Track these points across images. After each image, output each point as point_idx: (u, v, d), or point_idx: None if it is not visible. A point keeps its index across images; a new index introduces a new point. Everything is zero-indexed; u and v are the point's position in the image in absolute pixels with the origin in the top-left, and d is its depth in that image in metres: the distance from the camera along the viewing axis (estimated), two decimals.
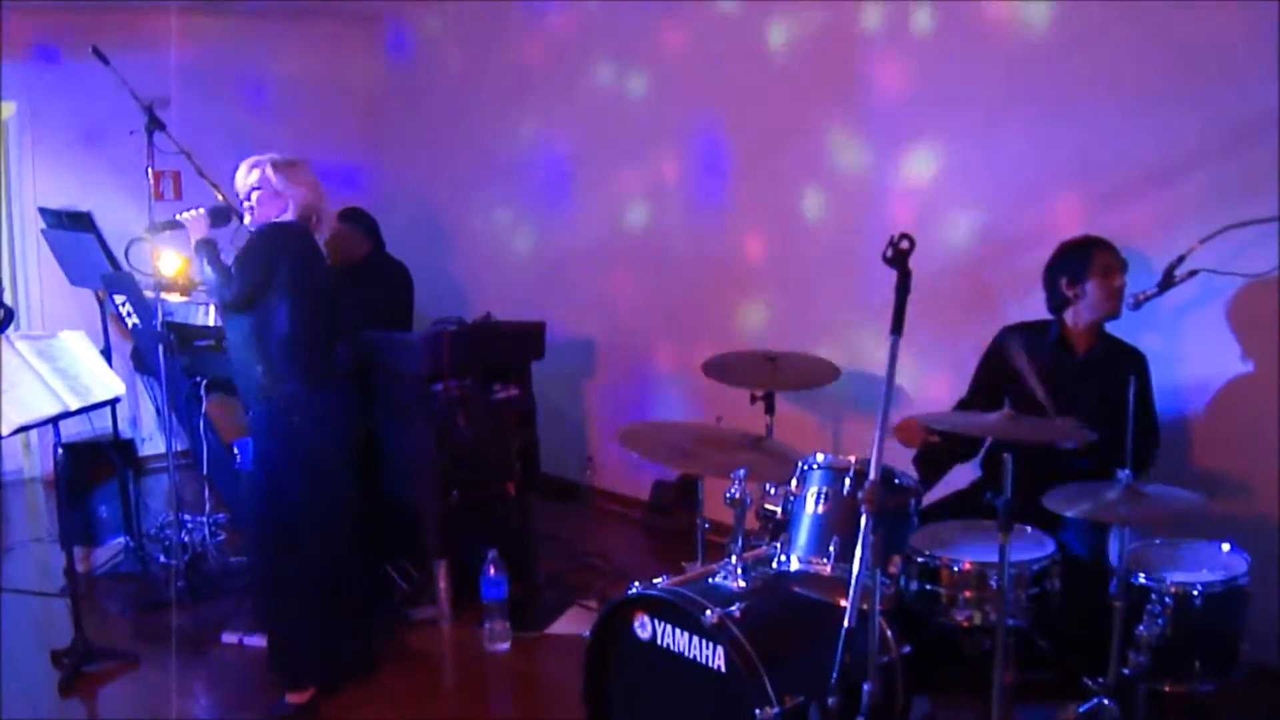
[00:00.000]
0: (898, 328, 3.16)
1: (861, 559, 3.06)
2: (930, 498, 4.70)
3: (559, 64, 7.68)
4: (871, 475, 3.12)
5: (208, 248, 4.77)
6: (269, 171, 4.76)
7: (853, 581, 3.05)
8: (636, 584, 3.85)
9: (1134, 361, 4.58)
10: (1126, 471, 3.72)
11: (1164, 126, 4.82)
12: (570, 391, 7.78)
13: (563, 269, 7.84)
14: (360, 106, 9.50)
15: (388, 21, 9.35)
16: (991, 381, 4.77)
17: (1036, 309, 4.79)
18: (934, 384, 5.58)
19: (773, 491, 4.10)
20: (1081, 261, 4.57)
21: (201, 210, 4.89)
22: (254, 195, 4.76)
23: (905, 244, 3.08)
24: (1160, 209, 4.85)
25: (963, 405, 4.86)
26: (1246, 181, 4.58)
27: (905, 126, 5.74)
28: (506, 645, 5.27)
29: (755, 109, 6.44)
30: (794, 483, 3.80)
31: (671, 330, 7.14)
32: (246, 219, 4.82)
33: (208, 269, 4.69)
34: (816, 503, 3.70)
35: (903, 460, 4.53)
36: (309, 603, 4.69)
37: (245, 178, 4.79)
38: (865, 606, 3.19)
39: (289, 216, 4.77)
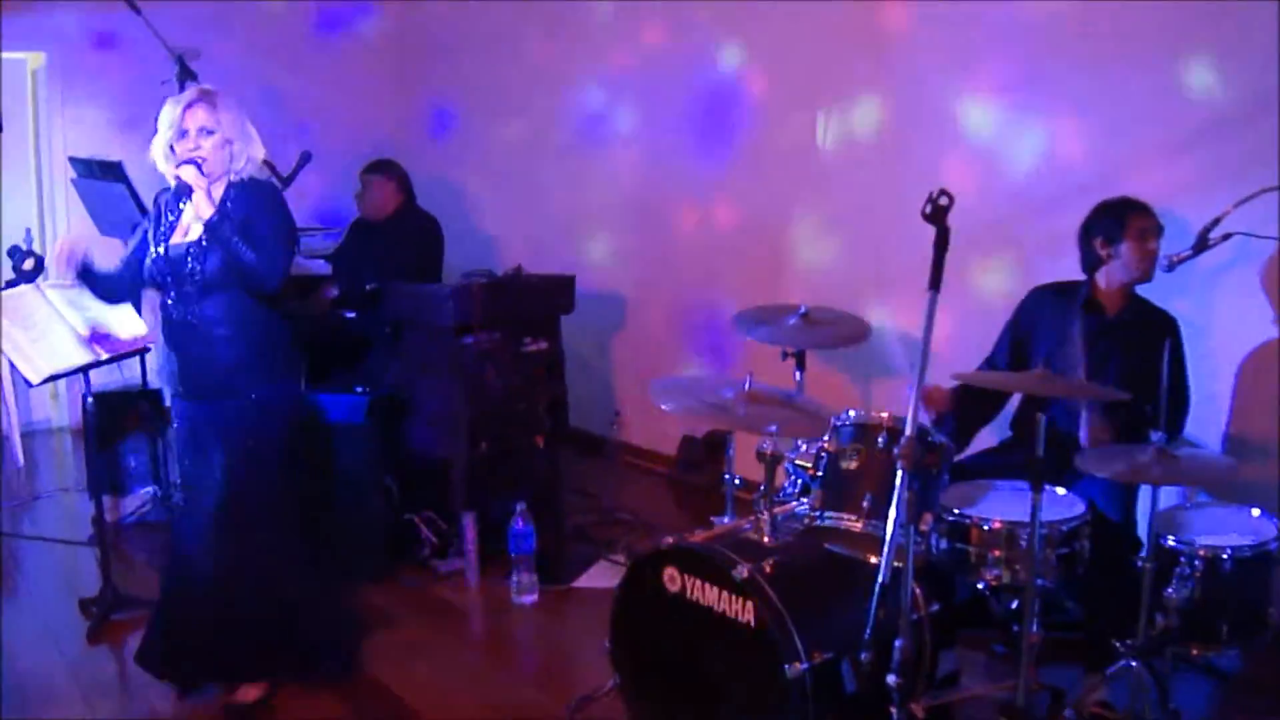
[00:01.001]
0: (935, 283, 3.18)
1: (896, 516, 3.09)
2: (959, 458, 4.69)
3: (598, 14, 7.58)
4: (908, 431, 3.16)
5: (232, 224, 4.05)
6: (225, 110, 4.11)
7: (887, 538, 3.07)
8: (669, 538, 3.86)
9: (1165, 325, 4.56)
10: (1160, 434, 3.73)
11: (1204, 87, 4.79)
12: (599, 346, 7.78)
13: (595, 222, 7.81)
14: (397, 55, 9.41)
15: None
16: (1019, 341, 4.77)
17: (1070, 269, 4.75)
18: (964, 343, 5.51)
19: (804, 448, 4.10)
20: (1117, 222, 4.53)
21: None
22: (207, 141, 4.09)
23: (944, 200, 3.10)
24: (1198, 171, 4.82)
25: (988, 364, 4.86)
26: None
27: (952, 82, 5.70)
28: (534, 598, 5.29)
29: (794, 58, 6.39)
30: (827, 439, 3.80)
31: (704, 284, 7.11)
32: (188, 172, 4.02)
33: (242, 251, 4.00)
34: (849, 459, 3.70)
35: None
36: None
37: (190, 118, 4.07)
38: (899, 563, 3.21)
39: (250, 171, 4.20)
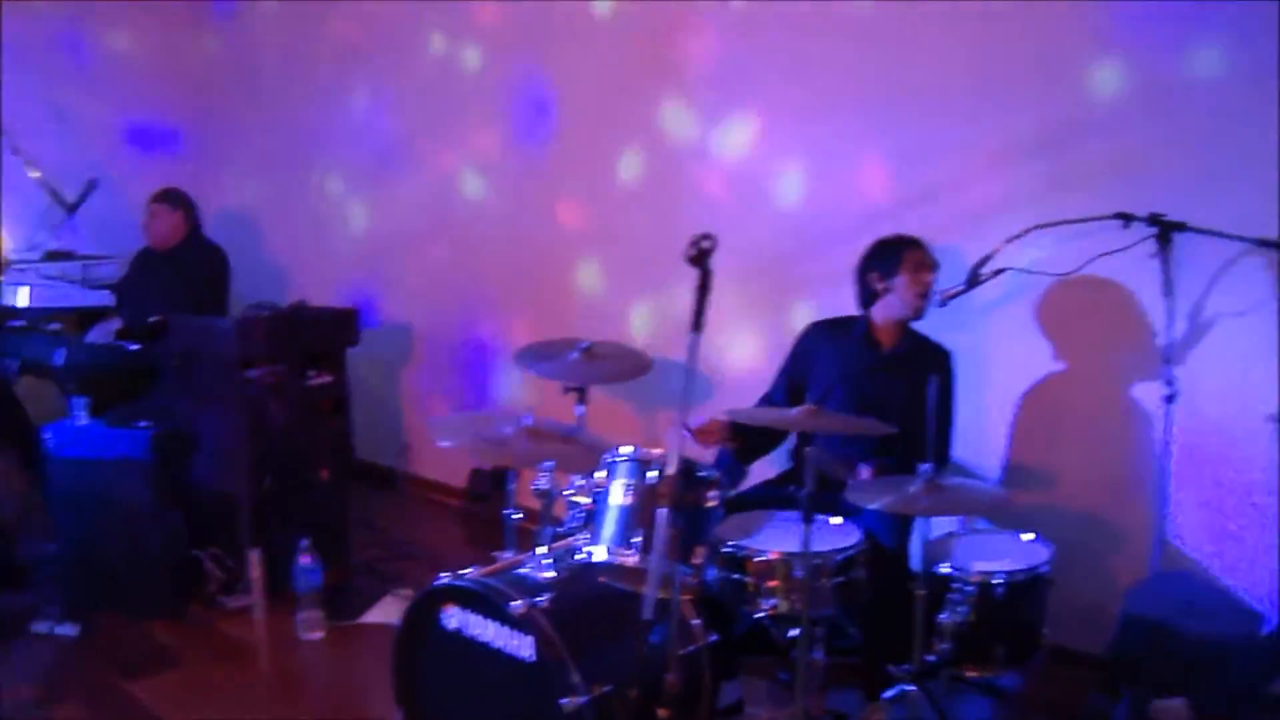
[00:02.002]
0: (697, 324, 3.20)
1: (658, 552, 3.13)
2: (741, 489, 4.83)
3: (387, 37, 7.46)
4: (669, 469, 3.18)
5: None
6: None
7: (650, 574, 3.08)
8: (444, 574, 3.85)
9: (938, 359, 4.68)
10: (927, 465, 3.81)
11: (981, 124, 4.93)
12: (389, 377, 7.70)
13: (385, 251, 7.71)
14: (188, 83, 9.08)
15: None
16: (796, 376, 4.84)
17: (847, 303, 4.85)
18: (745, 376, 5.65)
19: (581, 483, 4.13)
20: (893, 257, 4.62)
21: None
22: None
23: (707, 244, 3.11)
24: (972, 207, 4.97)
25: (765, 400, 4.92)
26: (1055, 182, 4.73)
27: (727, 103, 5.78)
28: (320, 634, 5.23)
29: (585, 85, 6.40)
30: (600, 475, 3.80)
31: (491, 313, 7.09)
32: None
33: None
34: (623, 495, 3.69)
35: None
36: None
37: None
38: (667, 597, 3.23)
39: None
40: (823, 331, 4.84)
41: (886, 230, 4.78)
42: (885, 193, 5.26)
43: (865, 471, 4.44)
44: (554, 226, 6.64)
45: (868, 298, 4.72)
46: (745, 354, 5.78)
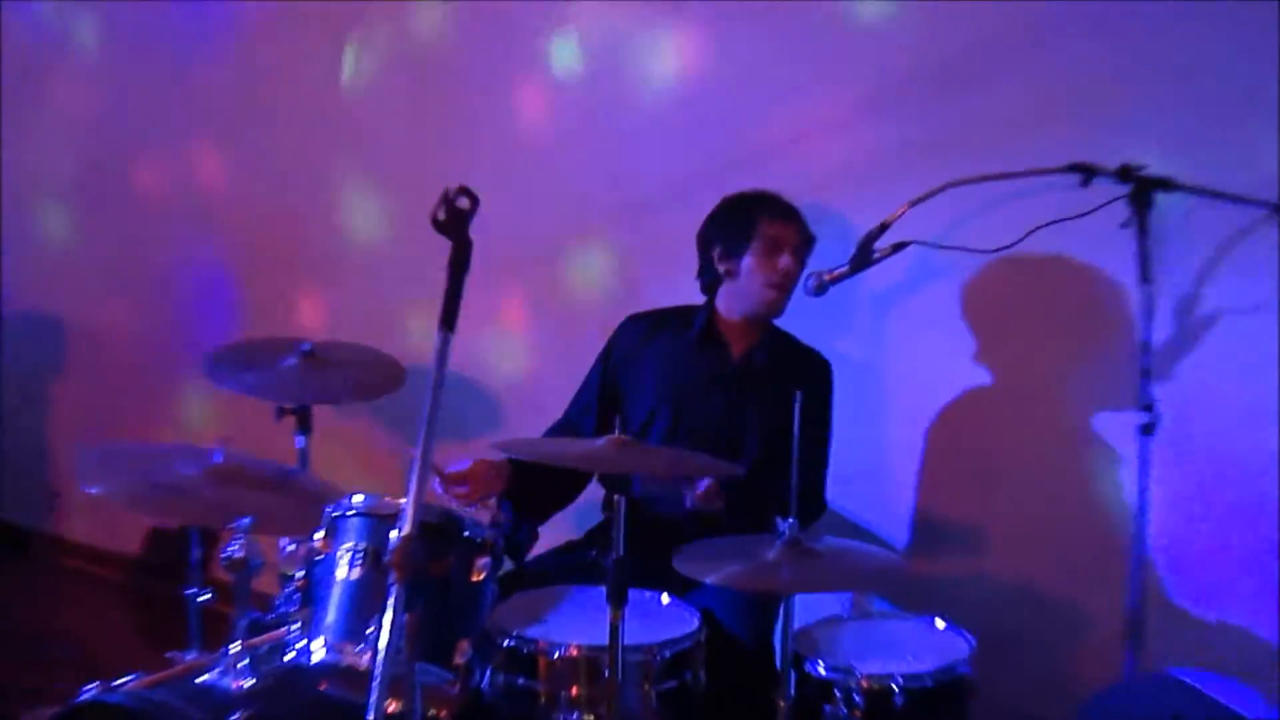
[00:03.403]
0: (449, 321, 3.19)
1: (387, 649, 3.09)
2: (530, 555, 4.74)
3: None
4: (405, 528, 3.14)
5: None
6: None
7: (376, 680, 3.09)
8: (93, 685, 3.78)
9: (811, 371, 4.72)
10: (791, 521, 3.78)
11: (872, 35, 4.98)
12: (29, 396, 7.59)
13: (28, 199, 7.54)
14: None
15: None
16: (610, 390, 4.84)
17: (688, 290, 4.88)
18: (545, 395, 5.51)
19: (293, 548, 4.12)
20: (742, 227, 4.63)
21: None
22: None
23: (464, 202, 3.09)
24: (860, 154, 5.02)
25: (563, 426, 4.91)
26: (981, 119, 4.79)
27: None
28: None
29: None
30: (320, 537, 3.80)
31: (181, 303, 7.05)
32: None
33: None
34: (350, 566, 3.69)
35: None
36: None
37: None
38: (405, 713, 3.25)
39: None
40: (646, 329, 4.84)
41: (732, 187, 4.80)
42: (725, 136, 5.32)
43: (704, 484, 4.36)
44: (275, 164, 6.67)
45: (710, 280, 4.74)
46: (556, 359, 5.75)
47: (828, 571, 3.86)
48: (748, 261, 4.59)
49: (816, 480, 4.69)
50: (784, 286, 4.60)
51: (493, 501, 4.50)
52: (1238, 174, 4.26)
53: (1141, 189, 4.25)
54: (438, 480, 4.38)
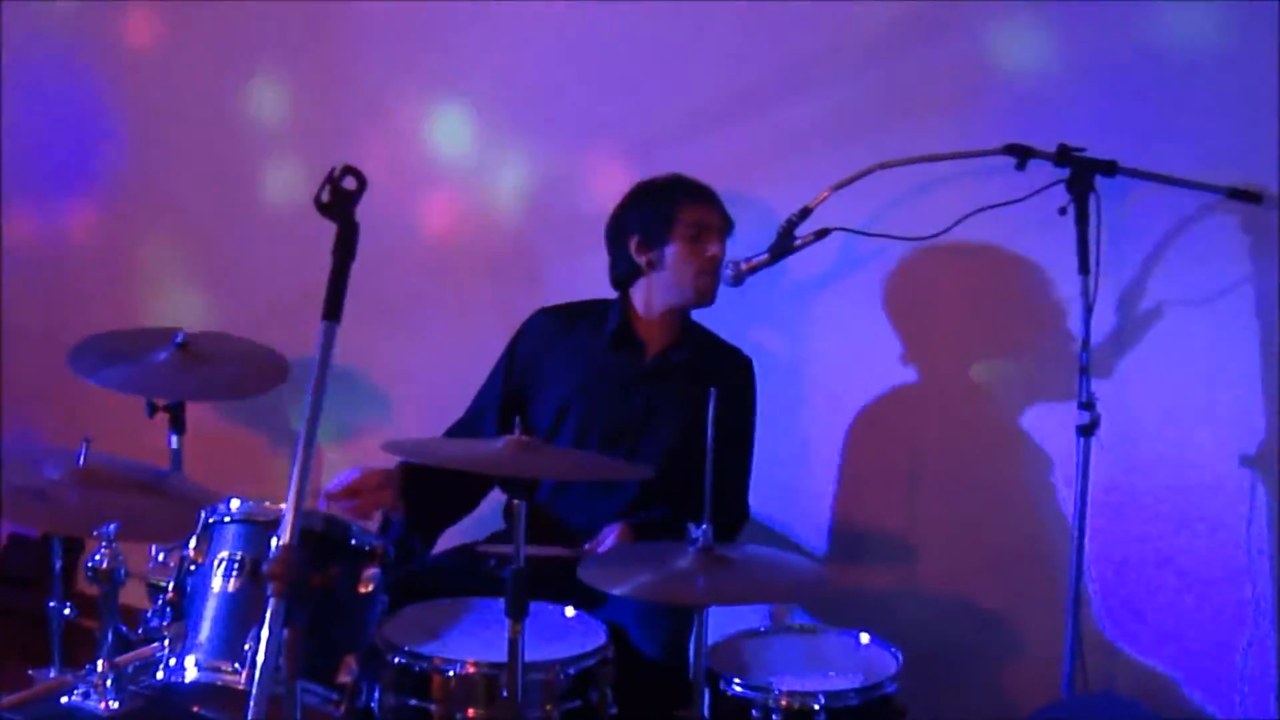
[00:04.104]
0: (334, 311, 3.14)
1: (266, 667, 3.05)
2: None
3: None
4: (283, 535, 3.08)
5: None
6: None
7: (253, 701, 3.06)
8: None
9: (732, 368, 4.72)
10: (704, 527, 3.77)
11: (775, 27, 4.99)
12: None
13: None
14: None
15: None
16: (516, 390, 4.80)
17: (598, 279, 4.85)
18: (443, 391, 5.46)
19: (163, 558, 4.07)
20: (663, 214, 4.61)
21: None
22: None
23: (350, 183, 3.05)
24: (778, 133, 5.03)
25: (465, 425, 4.85)
26: (907, 96, 4.81)
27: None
28: None
29: None
30: (194, 545, 3.75)
31: (34, 294, 6.99)
32: None
33: None
34: (226, 576, 3.65)
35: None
36: None
37: None
38: None
39: None
40: (557, 324, 4.81)
41: (643, 173, 4.79)
42: (633, 119, 5.33)
43: (611, 537, 4.40)
44: (149, 165, 6.62)
45: (626, 274, 4.71)
46: (456, 352, 5.71)
47: (745, 582, 3.88)
48: (673, 250, 4.58)
49: (738, 486, 4.70)
50: (715, 273, 4.60)
51: (378, 517, 4.52)
52: (1186, 157, 4.30)
53: (1082, 172, 4.29)
54: (322, 500, 4.33)
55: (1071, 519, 4.41)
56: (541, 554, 4.15)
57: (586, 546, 4.38)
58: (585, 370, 4.69)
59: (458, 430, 4.85)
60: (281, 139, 6.22)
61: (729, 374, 4.65)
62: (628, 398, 4.65)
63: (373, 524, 4.54)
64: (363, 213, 3.11)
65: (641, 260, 4.64)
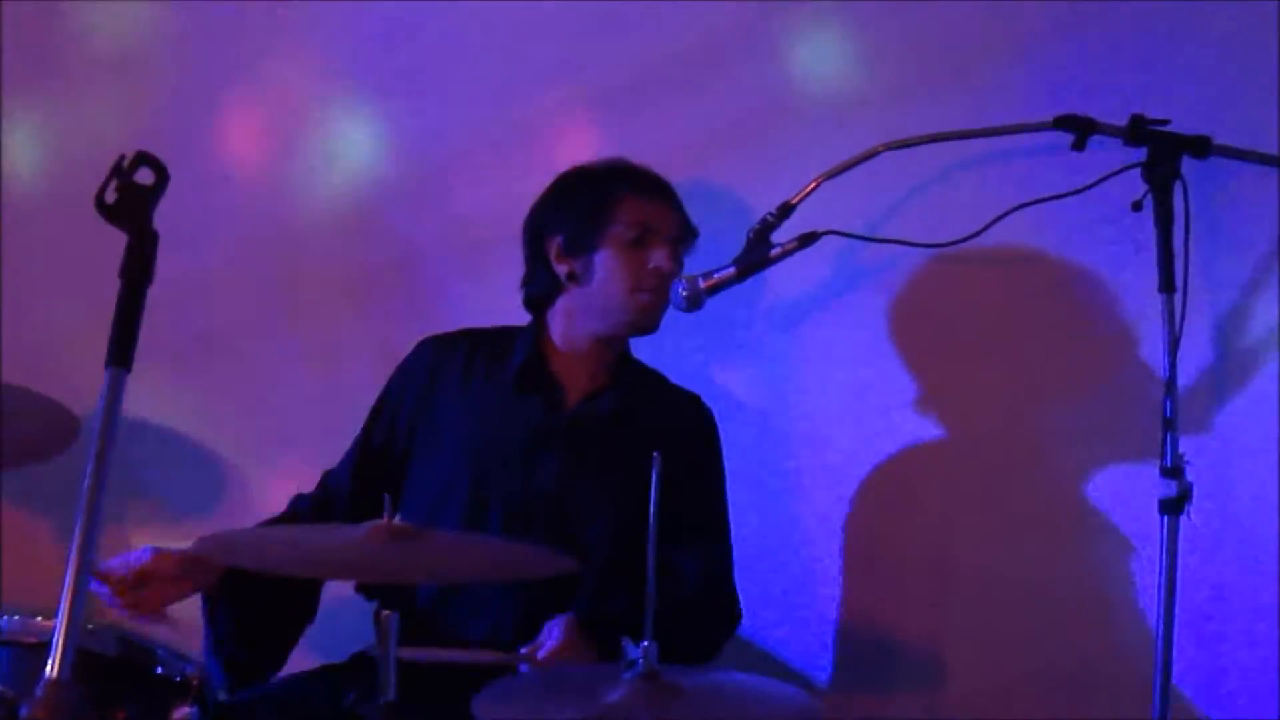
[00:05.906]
0: (122, 354, 2.91)
1: None
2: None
3: None
4: (51, 667, 2.75)
5: None
6: None
7: None
8: None
9: (681, 423, 4.49)
10: (645, 644, 3.42)
11: None
12: None
13: None
14: None
15: None
16: (386, 446, 4.53)
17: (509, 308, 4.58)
18: (291, 450, 5.45)
19: None
20: (595, 208, 4.37)
21: None
22: None
23: (146, 176, 2.76)
24: (755, 117, 4.85)
25: (316, 503, 4.58)
26: (917, 68, 4.66)
27: None
28: None
29: None
30: None
31: None
32: None
33: None
34: None
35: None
36: None
37: None
38: None
39: None
40: (446, 357, 4.57)
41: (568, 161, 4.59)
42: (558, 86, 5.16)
43: (554, 637, 4.09)
44: None
45: (540, 291, 4.48)
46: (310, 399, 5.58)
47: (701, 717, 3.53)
48: (603, 257, 4.33)
49: (719, 573, 4.45)
50: (660, 290, 4.32)
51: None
52: None
53: (1162, 153, 4.01)
54: (97, 582, 4.00)
55: (1154, 627, 4.07)
56: (456, 660, 4.04)
57: (523, 651, 4.07)
58: (480, 422, 4.41)
59: (309, 506, 4.56)
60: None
61: (683, 430, 4.44)
62: (538, 461, 4.36)
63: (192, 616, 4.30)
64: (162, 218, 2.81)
65: (562, 270, 4.37)
